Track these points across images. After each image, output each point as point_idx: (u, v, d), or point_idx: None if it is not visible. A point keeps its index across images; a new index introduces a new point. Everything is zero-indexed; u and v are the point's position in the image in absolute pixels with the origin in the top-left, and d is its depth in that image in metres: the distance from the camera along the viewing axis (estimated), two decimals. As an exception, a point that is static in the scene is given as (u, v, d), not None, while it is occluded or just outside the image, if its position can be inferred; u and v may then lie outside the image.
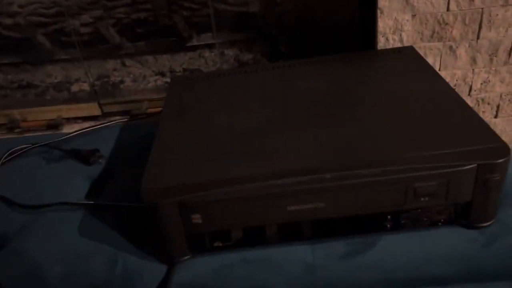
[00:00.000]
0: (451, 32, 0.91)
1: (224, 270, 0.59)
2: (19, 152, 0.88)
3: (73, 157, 0.84)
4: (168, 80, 1.10)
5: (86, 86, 1.12)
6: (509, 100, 0.99)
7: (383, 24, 0.90)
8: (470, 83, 0.97)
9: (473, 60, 0.94)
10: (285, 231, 0.60)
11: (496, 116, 1.01)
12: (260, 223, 0.59)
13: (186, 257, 0.60)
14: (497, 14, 0.88)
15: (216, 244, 0.60)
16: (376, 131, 0.63)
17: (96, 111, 1.08)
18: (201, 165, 0.60)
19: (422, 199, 0.56)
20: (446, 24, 0.90)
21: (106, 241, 0.65)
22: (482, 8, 0.88)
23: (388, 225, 0.59)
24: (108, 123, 0.97)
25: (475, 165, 0.55)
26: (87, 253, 0.63)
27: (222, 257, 0.60)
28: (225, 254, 0.60)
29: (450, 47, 0.92)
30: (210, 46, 1.13)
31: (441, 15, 0.89)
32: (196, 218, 0.56)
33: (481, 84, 0.97)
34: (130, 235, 0.65)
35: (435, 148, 0.57)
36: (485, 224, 0.60)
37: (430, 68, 0.78)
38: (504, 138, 1.03)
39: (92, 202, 0.72)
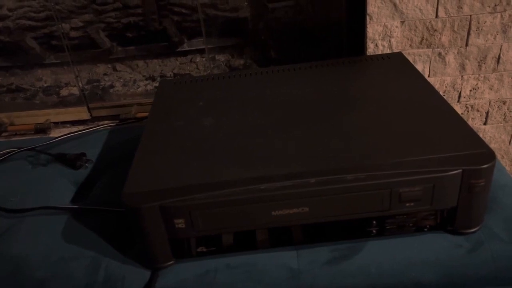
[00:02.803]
0: (440, 38, 0.91)
1: (207, 276, 0.58)
2: (5, 156, 0.87)
3: (59, 161, 0.83)
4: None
5: (75, 90, 1.11)
6: (498, 107, 0.99)
7: (372, 30, 0.90)
8: (459, 90, 0.97)
9: (462, 67, 0.94)
10: (270, 236, 0.60)
11: (485, 123, 1.01)
12: (244, 228, 0.58)
13: (169, 263, 0.60)
14: (485, 21, 0.89)
15: (200, 249, 0.60)
16: (362, 136, 0.63)
17: (85, 115, 1.07)
18: (184, 169, 0.60)
19: (407, 204, 0.56)
20: (435, 30, 0.90)
21: (89, 246, 0.64)
22: (471, 15, 0.88)
23: (373, 231, 0.59)
24: (97, 127, 0.96)
25: (460, 170, 0.55)
26: (69, 257, 0.63)
27: (206, 263, 0.59)
28: (209, 259, 0.60)
29: (439, 54, 0.93)
30: (201, 52, 1.13)
31: (430, 22, 0.89)
32: (179, 223, 0.55)
33: (470, 91, 0.97)
34: (114, 240, 0.65)
35: (420, 154, 0.57)
36: (470, 230, 0.59)
37: (418, 74, 0.78)
38: (493, 145, 1.04)
39: (76, 206, 0.72)
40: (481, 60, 0.93)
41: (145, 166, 0.61)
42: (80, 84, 1.10)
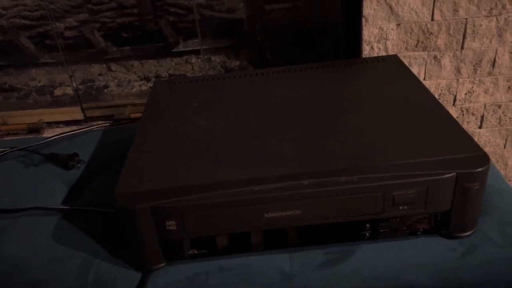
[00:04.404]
0: (436, 41, 0.91)
1: (199, 278, 0.57)
2: (-3, 156, 0.86)
3: (51, 161, 0.83)
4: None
5: (69, 90, 1.10)
6: (493, 111, 0.99)
7: (368, 32, 0.90)
8: (455, 93, 0.97)
9: (458, 70, 0.94)
10: (262, 238, 0.59)
11: (480, 127, 1.01)
12: (237, 230, 0.58)
13: (161, 265, 0.59)
14: (481, 25, 0.89)
15: (191, 251, 0.59)
16: (357, 138, 0.63)
17: (79, 116, 1.06)
18: (177, 170, 0.59)
19: (400, 207, 0.56)
20: (431, 33, 0.90)
21: (80, 247, 0.63)
22: (466, 19, 0.88)
23: (367, 234, 0.59)
24: (90, 128, 0.95)
25: (454, 173, 0.54)
26: (59, 259, 0.62)
27: (197, 265, 0.59)
28: (201, 262, 0.59)
29: (435, 57, 0.92)
30: (196, 52, 1.12)
31: (426, 25, 0.89)
32: (171, 225, 0.55)
33: (466, 94, 0.97)
34: (105, 241, 0.64)
35: (414, 156, 0.57)
36: (464, 234, 0.59)
37: (413, 77, 0.78)
38: (488, 148, 1.04)
39: (67, 207, 0.71)
40: (476, 64, 0.93)
41: (138, 166, 0.61)
42: (74, 84, 1.10)
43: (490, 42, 0.91)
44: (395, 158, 0.57)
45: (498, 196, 0.65)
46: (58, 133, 0.93)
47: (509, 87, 0.96)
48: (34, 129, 1.02)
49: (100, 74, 1.14)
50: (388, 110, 0.68)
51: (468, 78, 0.95)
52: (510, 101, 0.98)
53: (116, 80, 1.13)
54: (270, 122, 0.68)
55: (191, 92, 0.81)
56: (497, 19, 0.88)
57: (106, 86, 1.12)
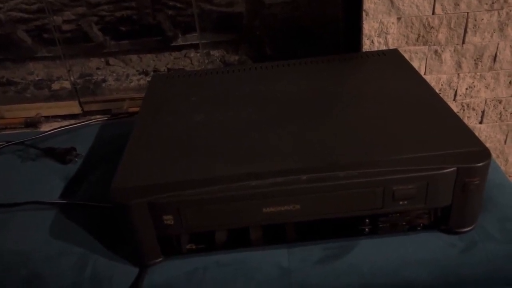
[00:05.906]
0: (437, 36, 0.90)
1: (196, 274, 0.57)
2: (-7, 150, 0.86)
3: (48, 155, 0.82)
4: (151, 79, 1.08)
5: (67, 84, 1.10)
6: (494, 106, 0.98)
7: (368, 26, 0.89)
8: (455, 88, 0.96)
9: (458, 65, 0.93)
10: (261, 234, 0.59)
11: (481, 122, 1.00)
12: (235, 226, 0.57)
13: (158, 260, 0.58)
14: (482, 19, 0.88)
15: (189, 246, 0.59)
16: (356, 133, 0.62)
17: (77, 110, 1.06)
18: (174, 164, 0.58)
19: (400, 202, 0.55)
20: (432, 27, 0.89)
21: (77, 242, 0.63)
22: (468, 13, 0.88)
23: (366, 229, 0.58)
24: (88, 122, 0.95)
25: (455, 168, 0.54)
26: (56, 255, 0.61)
27: (195, 260, 0.58)
28: (199, 257, 0.59)
29: (436, 51, 0.92)
30: (195, 47, 1.12)
31: (427, 19, 0.88)
32: (168, 220, 0.54)
33: (466, 89, 0.96)
34: (102, 236, 0.64)
35: (414, 151, 0.56)
36: (464, 230, 0.59)
37: (413, 71, 0.77)
38: (488, 144, 1.04)
39: (64, 201, 0.70)
40: (477, 58, 0.92)
41: (135, 161, 0.60)
42: (72, 78, 1.09)
43: (492, 36, 0.90)
44: (395, 153, 0.56)
45: (498, 191, 0.64)
46: (55, 127, 0.92)
47: (510, 82, 0.96)
48: (32, 123, 1.02)
49: (98, 68, 1.13)
50: (388, 105, 0.68)
51: (469, 73, 0.94)
52: (511, 96, 0.97)
53: (114, 74, 1.12)
54: (269, 116, 0.67)
55: (189, 87, 0.80)
56: (498, 13, 0.88)
57: (104, 80, 1.11)
